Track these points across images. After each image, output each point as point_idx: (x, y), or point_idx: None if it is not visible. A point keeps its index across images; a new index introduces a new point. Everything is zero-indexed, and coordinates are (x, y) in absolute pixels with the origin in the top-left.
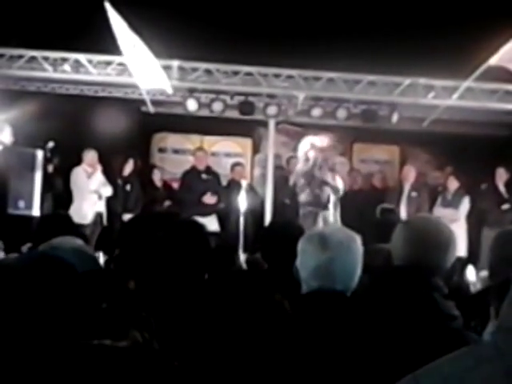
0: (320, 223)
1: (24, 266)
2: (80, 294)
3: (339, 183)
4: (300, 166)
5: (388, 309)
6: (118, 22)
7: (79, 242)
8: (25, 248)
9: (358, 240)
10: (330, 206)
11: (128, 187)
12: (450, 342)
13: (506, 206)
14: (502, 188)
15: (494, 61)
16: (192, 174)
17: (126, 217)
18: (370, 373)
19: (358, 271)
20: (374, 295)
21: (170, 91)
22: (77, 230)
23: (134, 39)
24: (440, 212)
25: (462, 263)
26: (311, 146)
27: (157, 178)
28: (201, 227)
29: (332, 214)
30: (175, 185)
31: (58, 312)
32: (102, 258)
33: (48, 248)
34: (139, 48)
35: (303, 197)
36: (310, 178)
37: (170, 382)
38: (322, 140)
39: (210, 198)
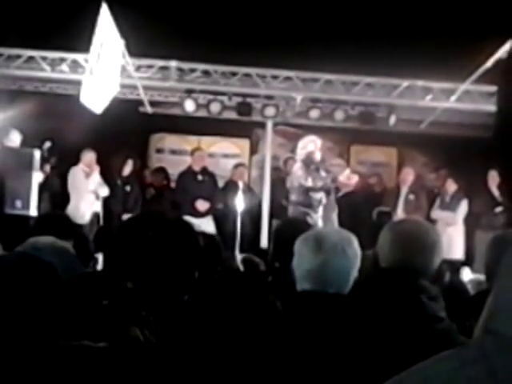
0: None
1: (3, 267)
2: (61, 294)
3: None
4: (299, 156)
5: (375, 311)
6: (105, 24)
7: (58, 242)
8: None
9: (354, 242)
10: (320, 209)
11: (127, 188)
12: (435, 343)
13: (499, 209)
14: (494, 190)
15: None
16: (187, 175)
17: (126, 217)
18: (355, 373)
19: (353, 274)
20: (361, 297)
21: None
22: (75, 230)
23: (116, 44)
24: (438, 215)
25: (459, 266)
26: (311, 140)
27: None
28: (189, 226)
29: (321, 217)
30: (172, 185)
31: (37, 312)
32: (101, 258)
33: (28, 248)
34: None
35: (294, 196)
36: (308, 163)
37: (148, 382)
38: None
39: (202, 205)
